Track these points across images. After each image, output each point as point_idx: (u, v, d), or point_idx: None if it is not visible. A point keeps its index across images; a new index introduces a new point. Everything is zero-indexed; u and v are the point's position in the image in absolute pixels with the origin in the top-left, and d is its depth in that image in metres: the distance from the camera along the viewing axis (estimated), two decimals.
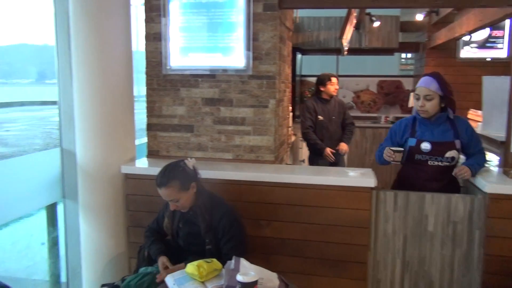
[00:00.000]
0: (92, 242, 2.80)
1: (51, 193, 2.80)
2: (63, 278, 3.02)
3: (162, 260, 2.24)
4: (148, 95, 3.01)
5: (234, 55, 2.85)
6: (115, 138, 2.81)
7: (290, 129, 4.01)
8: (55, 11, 2.73)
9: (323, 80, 4.28)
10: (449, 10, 5.20)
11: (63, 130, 2.84)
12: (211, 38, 2.85)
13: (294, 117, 5.41)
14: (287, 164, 3.52)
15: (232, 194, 2.66)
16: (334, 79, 4.27)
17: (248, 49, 2.82)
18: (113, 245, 2.82)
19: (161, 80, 2.97)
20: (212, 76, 2.91)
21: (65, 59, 2.74)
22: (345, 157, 4.50)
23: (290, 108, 4.20)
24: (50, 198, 2.82)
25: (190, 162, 2.29)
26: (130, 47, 2.89)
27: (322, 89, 4.28)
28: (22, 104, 30.44)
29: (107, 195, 2.77)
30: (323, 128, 4.25)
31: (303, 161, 5.77)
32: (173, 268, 2.14)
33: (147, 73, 3.00)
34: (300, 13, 5.87)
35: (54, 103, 2.88)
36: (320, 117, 4.24)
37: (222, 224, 2.24)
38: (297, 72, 6.67)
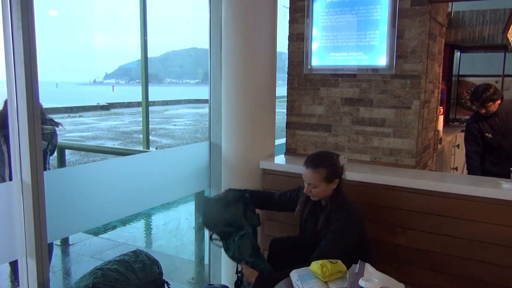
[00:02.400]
0: None
1: (200, 182, 3.08)
2: (206, 260, 3.30)
3: None
4: (289, 94, 3.10)
5: (376, 54, 2.75)
6: (256, 135, 2.96)
7: (439, 133, 3.69)
8: (210, 18, 3.00)
9: (472, 96, 3.46)
10: None
11: (212, 125, 3.10)
12: (353, 37, 2.80)
13: (446, 120, 4.98)
14: (431, 170, 3.26)
15: (366, 197, 2.59)
16: (487, 105, 3.33)
17: (391, 47, 2.69)
18: None
19: (302, 80, 3.03)
20: (353, 76, 2.85)
21: (216, 61, 3.00)
22: None
23: (441, 110, 3.87)
24: (199, 186, 3.11)
25: (342, 160, 2.29)
26: (275, 48, 3.01)
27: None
28: (188, 102, 34.18)
29: (246, 187, 2.94)
30: (496, 149, 3.49)
31: (455, 169, 5.27)
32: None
33: (289, 73, 3.09)
34: (459, 7, 5.36)
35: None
36: (488, 135, 3.48)
37: (334, 225, 2.20)
38: (454, 72, 6.12)
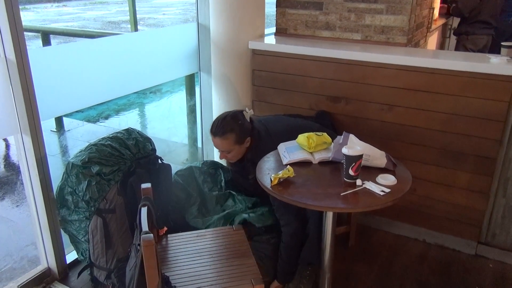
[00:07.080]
0: (222, 112, 3.05)
1: (190, 65, 3.05)
2: (199, 143, 3.41)
3: None
4: None
5: None
6: (244, 15, 2.85)
7: (434, 11, 3.58)
8: None
9: None
10: None
11: (199, 6, 2.98)
12: None
13: (444, 1, 4.79)
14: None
15: (356, 76, 2.60)
16: None
17: None
18: None
19: None
20: None
21: None
22: None
23: None
24: (189, 69, 3.09)
25: (248, 114, 2.24)
26: None
27: None
28: None
29: (235, 69, 2.93)
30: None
31: None
32: None
33: None
34: None
35: None
36: None
37: None
38: None
